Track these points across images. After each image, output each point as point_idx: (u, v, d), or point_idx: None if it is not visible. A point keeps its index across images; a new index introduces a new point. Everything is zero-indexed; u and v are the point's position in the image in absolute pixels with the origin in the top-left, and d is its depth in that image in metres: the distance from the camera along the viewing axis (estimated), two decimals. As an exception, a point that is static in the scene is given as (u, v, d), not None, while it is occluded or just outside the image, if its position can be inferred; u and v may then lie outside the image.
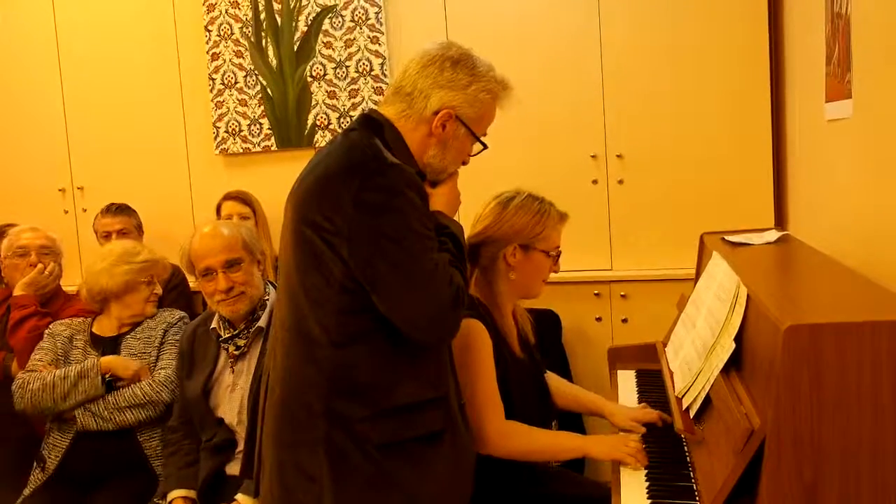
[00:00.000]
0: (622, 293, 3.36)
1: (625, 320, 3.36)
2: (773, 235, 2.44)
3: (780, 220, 3.20)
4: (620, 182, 3.36)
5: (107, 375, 2.56)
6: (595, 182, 3.39)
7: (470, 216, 3.42)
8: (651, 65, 3.29)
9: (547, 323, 3.28)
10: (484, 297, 2.21)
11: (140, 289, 2.73)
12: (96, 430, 2.55)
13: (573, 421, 3.10)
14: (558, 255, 2.26)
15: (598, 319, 3.40)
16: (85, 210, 4.07)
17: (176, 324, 2.75)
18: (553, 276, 2.29)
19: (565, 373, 3.30)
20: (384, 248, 1.60)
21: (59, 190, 4.18)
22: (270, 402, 1.77)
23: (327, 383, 1.66)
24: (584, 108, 3.38)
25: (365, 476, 1.65)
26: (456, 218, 1.89)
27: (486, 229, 2.19)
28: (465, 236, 2.21)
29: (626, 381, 2.61)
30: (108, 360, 2.60)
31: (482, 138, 1.85)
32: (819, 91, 2.51)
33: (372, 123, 1.76)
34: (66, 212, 4.18)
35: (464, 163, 1.87)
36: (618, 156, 3.35)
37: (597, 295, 3.39)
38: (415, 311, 1.63)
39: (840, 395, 1.39)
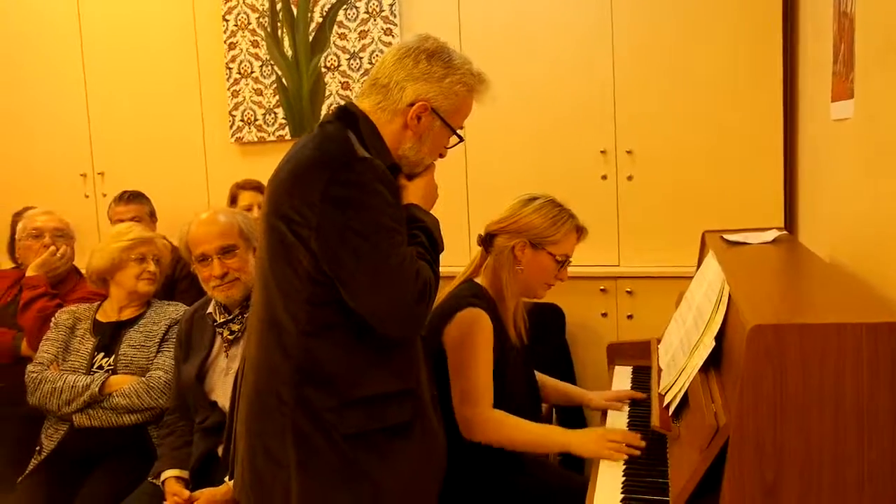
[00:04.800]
0: (628, 289, 3.35)
1: (630, 316, 3.35)
2: (772, 235, 2.42)
3: (791, 221, 3.16)
4: (630, 178, 3.35)
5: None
6: (604, 178, 3.38)
7: (480, 208, 3.48)
8: (662, 60, 3.26)
9: (550, 317, 3.28)
10: (491, 285, 2.28)
11: (129, 266, 2.75)
12: (91, 427, 2.62)
13: (574, 415, 3.09)
14: (565, 263, 2.31)
15: (604, 315, 3.39)
16: (105, 195, 4.15)
17: (179, 321, 2.78)
18: None
19: (567, 367, 3.31)
20: (351, 242, 1.60)
21: (81, 175, 4.28)
22: (244, 388, 1.80)
23: (296, 372, 1.67)
24: (594, 103, 3.37)
25: (331, 465, 1.67)
26: (433, 211, 1.89)
27: (503, 220, 2.27)
28: (485, 227, 2.30)
29: (622, 376, 2.62)
30: (117, 380, 2.64)
31: (458, 131, 1.85)
32: (826, 90, 2.48)
33: (347, 116, 1.77)
34: (87, 196, 4.28)
35: (441, 155, 1.88)
36: (627, 152, 3.34)
37: (603, 291, 3.38)
38: (380, 305, 1.64)
39: (803, 396, 1.37)
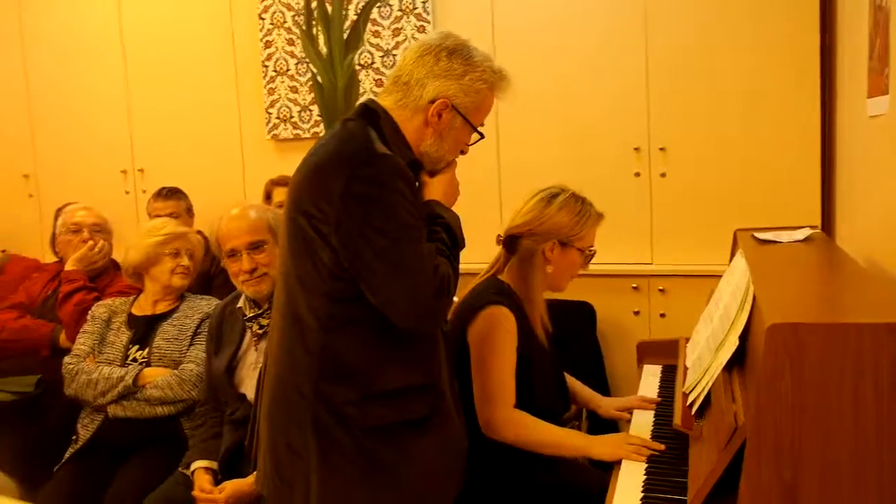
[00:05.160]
0: (661, 287, 3.32)
1: (663, 315, 3.33)
2: (804, 234, 2.39)
3: (828, 220, 3.11)
4: (663, 175, 3.32)
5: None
6: (637, 175, 3.36)
7: (512, 205, 3.45)
8: (696, 57, 3.23)
9: (581, 315, 3.27)
10: (517, 286, 2.26)
11: (164, 260, 2.80)
12: (125, 417, 2.68)
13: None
14: (592, 255, 2.32)
15: (636, 313, 3.37)
16: (144, 191, 4.22)
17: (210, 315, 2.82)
18: (592, 269, 2.33)
19: (598, 366, 3.29)
20: (370, 238, 1.61)
21: (121, 171, 4.37)
22: (267, 382, 1.82)
23: (317, 366, 1.69)
24: (627, 100, 3.35)
25: (351, 457, 1.69)
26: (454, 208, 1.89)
27: (529, 223, 2.24)
28: (506, 227, 2.29)
29: (651, 376, 2.60)
30: (151, 372, 2.70)
31: (479, 128, 1.85)
32: (862, 86, 2.44)
33: (369, 113, 1.78)
34: (128, 192, 4.36)
35: (462, 152, 1.87)
36: (661, 149, 3.31)
37: (635, 289, 3.36)
38: (398, 300, 1.64)
39: (822, 396, 1.36)
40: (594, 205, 2.31)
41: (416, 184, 1.75)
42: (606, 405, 2.41)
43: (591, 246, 2.29)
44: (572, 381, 2.51)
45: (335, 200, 1.63)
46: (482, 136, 1.86)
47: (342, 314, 1.69)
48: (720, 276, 2.96)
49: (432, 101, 1.76)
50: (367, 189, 1.62)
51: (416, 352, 1.75)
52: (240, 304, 2.53)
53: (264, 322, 2.43)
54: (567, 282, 2.33)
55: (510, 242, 2.28)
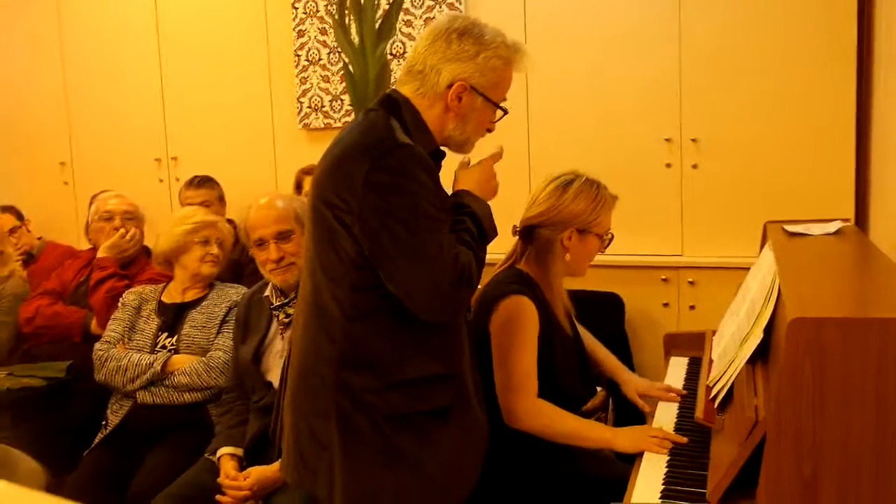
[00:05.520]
0: (690, 279, 3.29)
1: (692, 307, 3.29)
2: (835, 226, 2.35)
3: (862, 213, 3.06)
4: (695, 167, 3.29)
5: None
6: (668, 166, 3.32)
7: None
8: (730, 47, 3.19)
9: (610, 307, 3.25)
10: (536, 275, 2.26)
11: (193, 248, 2.84)
12: (153, 404, 2.72)
13: (630, 408, 3.05)
14: (611, 240, 2.30)
15: (666, 305, 3.34)
16: (178, 179, 4.26)
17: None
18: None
19: (626, 357, 3.27)
20: (390, 228, 1.63)
21: (156, 160, 4.42)
22: (291, 370, 1.84)
23: (339, 355, 1.71)
24: (660, 90, 3.31)
25: (373, 446, 1.70)
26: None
27: (545, 213, 2.22)
28: (522, 218, 2.27)
29: (678, 368, 2.58)
30: (179, 359, 2.74)
31: (502, 104, 1.84)
32: (899, 79, 2.39)
33: (391, 103, 1.78)
34: (161, 181, 4.41)
35: (488, 130, 1.86)
36: (693, 140, 3.28)
37: (665, 280, 3.33)
38: (417, 289, 1.66)
39: (843, 391, 1.35)
40: (608, 187, 2.28)
41: (438, 173, 1.75)
42: (632, 385, 2.39)
43: (609, 230, 2.28)
44: (601, 350, 2.51)
45: (357, 190, 1.64)
46: (506, 112, 1.85)
47: (365, 303, 1.70)
48: (750, 269, 2.94)
49: (450, 86, 1.76)
50: (388, 179, 1.64)
51: (438, 341, 1.76)
52: (266, 292, 2.55)
53: (290, 311, 2.45)
54: (586, 267, 2.31)
55: (527, 233, 2.27)
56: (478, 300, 2.22)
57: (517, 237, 2.30)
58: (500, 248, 2.34)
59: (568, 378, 2.25)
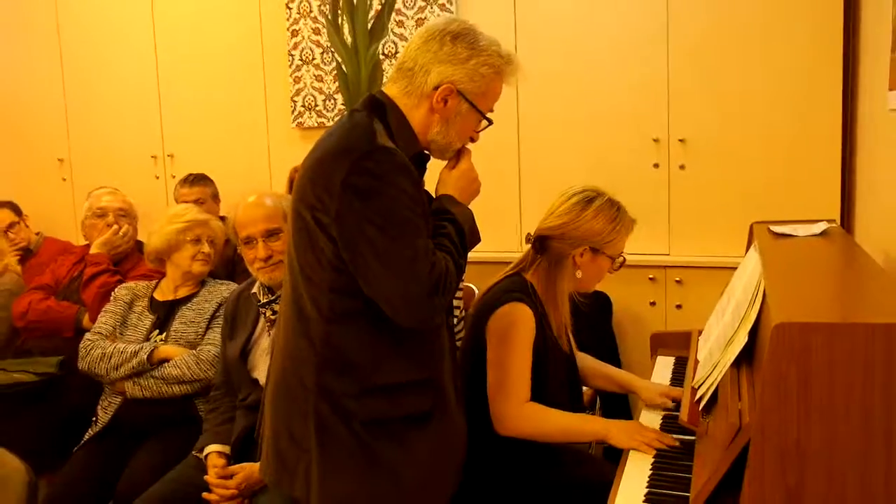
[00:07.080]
0: (678, 279, 3.34)
1: (679, 306, 3.34)
2: (820, 227, 2.38)
3: (847, 214, 3.11)
4: (682, 167, 3.33)
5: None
6: (656, 166, 3.37)
7: (532, 195, 3.50)
8: (718, 48, 3.23)
9: (597, 305, 3.28)
10: (542, 287, 2.23)
11: (185, 247, 2.85)
12: (143, 398, 2.73)
13: (618, 405, 3.11)
14: (622, 263, 2.29)
15: (653, 304, 3.39)
16: (173, 176, 4.30)
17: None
18: None
19: (613, 356, 3.32)
20: (367, 232, 1.61)
21: (152, 157, 4.45)
22: (272, 371, 1.84)
23: (318, 359, 1.70)
24: (648, 91, 3.36)
25: (350, 451, 1.69)
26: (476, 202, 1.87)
27: (563, 226, 2.19)
28: (538, 227, 2.23)
29: (664, 367, 2.59)
30: (166, 349, 2.75)
31: (488, 114, 1.81)
32: (884, 78, 2.41)
33: (375, 104, 1.75)
34: (157, 178, 4.44)
35: (472, 139, 1.84)
36: (680, 140, 3.32)
37: (652, 279, 3.38)
38: (392, 295, 1.63)
39: (829, 398, 1.31)
40: (627, 210, 2.26)
41: (421, 178, 1.74)
42: (649, 391, 2.31)
43: (622, 253, 2.26)
44: (610, 368, 2.49)
45: (335, 192, 1.61)
46: (490, 123, 1.83)
47: (343, 306, 1.68)
48: (736, 269, 2.97)
49: (437, 88, 1.73)
50: (366, 182, 1.60)
51: (416, 347, 1.74)
52: (254, 289, 2.55)
53: (277, 308, 2.47)
54: (594, 285, 2.31)
55: (540, 243, 2.23)
56: (477, 304, 2.22)
57: (529, 245, 2.27)
58: (501, 248, 2.34)
59: (556, 393, 2.21)
